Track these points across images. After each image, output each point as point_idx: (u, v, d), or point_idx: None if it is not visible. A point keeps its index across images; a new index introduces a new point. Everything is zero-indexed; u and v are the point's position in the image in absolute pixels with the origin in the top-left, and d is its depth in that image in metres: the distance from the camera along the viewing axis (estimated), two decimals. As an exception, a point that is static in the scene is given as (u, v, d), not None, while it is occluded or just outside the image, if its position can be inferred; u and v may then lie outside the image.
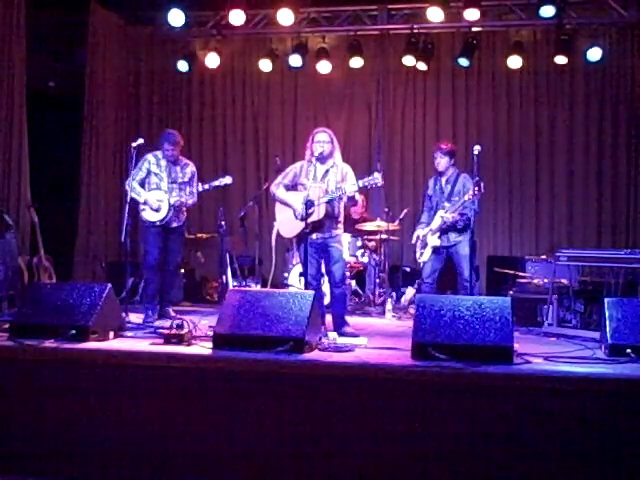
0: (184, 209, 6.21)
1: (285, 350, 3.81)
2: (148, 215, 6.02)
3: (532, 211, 8.83)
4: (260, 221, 7.33)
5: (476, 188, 5.31)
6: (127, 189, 5.96)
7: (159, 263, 6.10)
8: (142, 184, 6.08)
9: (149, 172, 6.07)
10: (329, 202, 5.37)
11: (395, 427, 3.54)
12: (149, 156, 6.10)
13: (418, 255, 6.23)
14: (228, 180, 6.23)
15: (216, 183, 6.20)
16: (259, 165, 9.53)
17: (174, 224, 6.12)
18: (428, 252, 6.10)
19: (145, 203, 5.99)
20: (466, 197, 5.69)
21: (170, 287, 6.35)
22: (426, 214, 6.29)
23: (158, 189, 6.06)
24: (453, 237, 5.97)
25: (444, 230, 5.98)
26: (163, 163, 6.10)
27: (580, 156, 8.71)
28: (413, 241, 6.27)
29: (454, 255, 5.97)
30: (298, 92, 9.44)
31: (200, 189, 6.19)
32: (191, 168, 6.26)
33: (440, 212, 6.01)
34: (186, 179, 6.18)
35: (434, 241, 6.04)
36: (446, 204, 5.99)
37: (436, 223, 6.03)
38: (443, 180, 6.16)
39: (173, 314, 5.94)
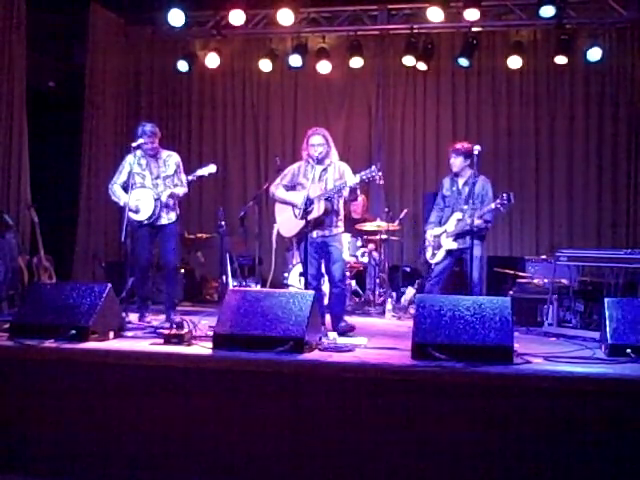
0: (172, 205, 5.92)
1: (285, 350, 3.81)
2: (133, 215, 5.77)
3: (532, 211, 8.83)
4: (260, 221, 7.31)
5: (504, 196, 5.28)
6: (110, 193, 5.88)
7: (149, 264, 5.99)
8: (127, 186, 5.77)
9: (130, 173, 5.76)
10: (328, 199, 5.37)
11: (395, 427, 3.54)
12: (129, 157, 5.87)
13: (429, 255, 6.06)
14: (212, 169, 6.00)
15: (199, 172, 5.98)
16: (259, 165, 9.54)
17: (162, 221, 5.86)
18: (441, 254, 5.94)
19: (124, 206, 5.70)
20: (492, 205, 5.57)
21: (172, 290, 6.08)
22: (436, 214, 6.12)
23: (143, 187, 5.83)
24: (469, 239, 5.72)
25: (461, 233, 5.82)
26: (143, 161, 5.89)
27: (580, 156, 8.72)
28: (427, 243, 6.09)
29: (466, 258, 5.79)
30: (298, 92, 9.45)
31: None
32: (174, 159, 5.99)
33: (457, 214, 5.85)
34: (170, 172, 5.92)
35: (450, 244, 5.88)
36: (464, 207, 5.80)
37: (452, 225, 5.88)
38: (460, 182, 5.98)
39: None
